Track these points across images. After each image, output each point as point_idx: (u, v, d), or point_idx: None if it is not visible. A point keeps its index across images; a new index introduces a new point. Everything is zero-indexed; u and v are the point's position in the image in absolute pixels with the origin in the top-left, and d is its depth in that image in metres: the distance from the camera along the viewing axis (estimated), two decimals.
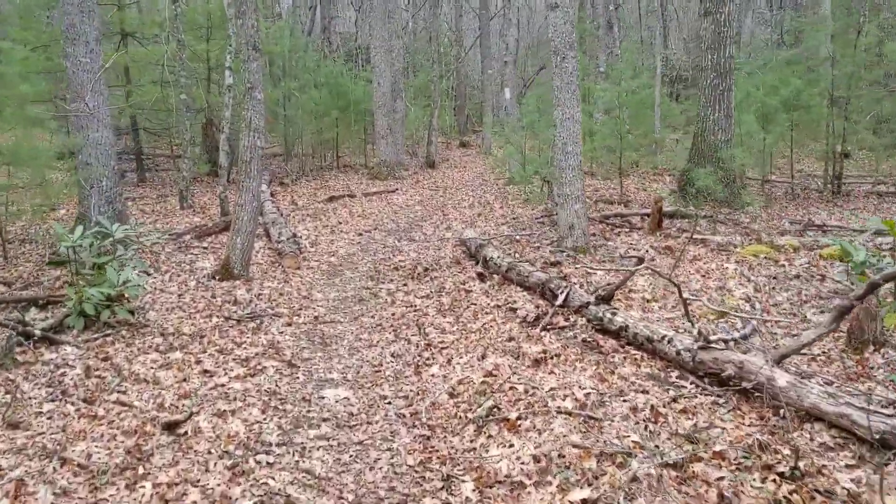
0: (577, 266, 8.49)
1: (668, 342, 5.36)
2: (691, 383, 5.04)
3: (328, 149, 23.56)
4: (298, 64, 23.37)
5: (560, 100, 8.93)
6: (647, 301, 7.15)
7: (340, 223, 12.89)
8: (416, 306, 7.74)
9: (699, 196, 11.16)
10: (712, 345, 5.01)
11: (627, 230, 10.58)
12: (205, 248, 10.67)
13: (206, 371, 5.73)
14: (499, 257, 8.39)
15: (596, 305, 6.38)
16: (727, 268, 8.31)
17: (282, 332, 6.83)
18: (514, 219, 12.40)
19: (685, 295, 7.36)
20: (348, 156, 24.51)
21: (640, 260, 5.95)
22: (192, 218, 13.36)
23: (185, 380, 5.55)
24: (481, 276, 8.33)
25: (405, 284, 8.72)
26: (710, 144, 11.37)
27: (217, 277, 8.66)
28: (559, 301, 6.74)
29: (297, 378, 5.77)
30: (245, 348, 6.28)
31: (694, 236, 9.77)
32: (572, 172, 8.95)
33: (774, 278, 7.88)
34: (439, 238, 11.52)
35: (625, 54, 16.91)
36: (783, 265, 8.28)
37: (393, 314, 7.52)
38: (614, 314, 6.12)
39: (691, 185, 11.45)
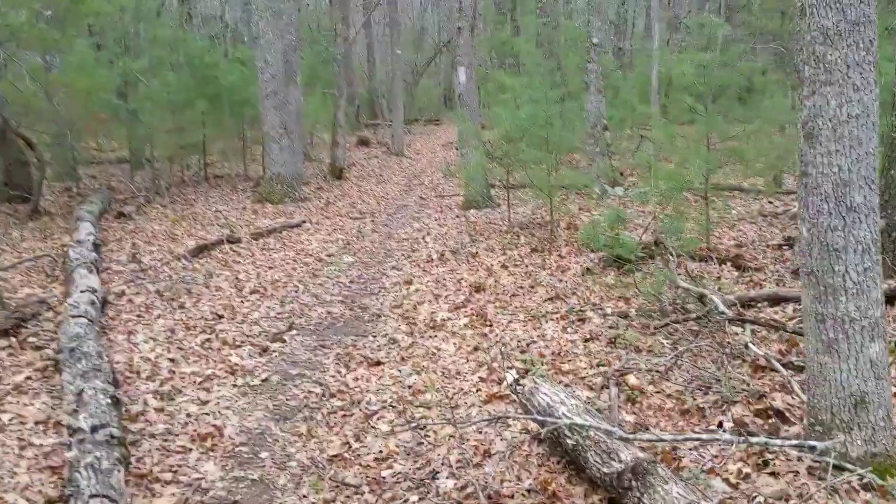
0: None
1: None
2: None
3: (194, 153, 17.09)
4: (147, 35, 16.73)
5: (832, 72, 3.32)
6: None
7: (220, 316, 6.76)
8: None
9: None
10: None
11: None
12: None
13: None
14: None
15: None
16: None
17: None
18: (558, 298, 6.67)
19: None
20: (221, 163, 18.08)
21: None
22: None
23: None
24: None
25: None
26: None
27: None
28: None
29: None
30: None
31: None
32: (865, 261, 3.38)
33: None
34: (428, 353, 5.67)
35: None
36: None
37: None
38: None
39: None
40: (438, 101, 40.81)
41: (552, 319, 6.11)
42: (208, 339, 6.13)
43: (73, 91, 13.21)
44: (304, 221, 11.65)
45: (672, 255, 6.12)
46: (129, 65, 14.58)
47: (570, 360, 5.13)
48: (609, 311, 6.07)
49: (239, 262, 8.90)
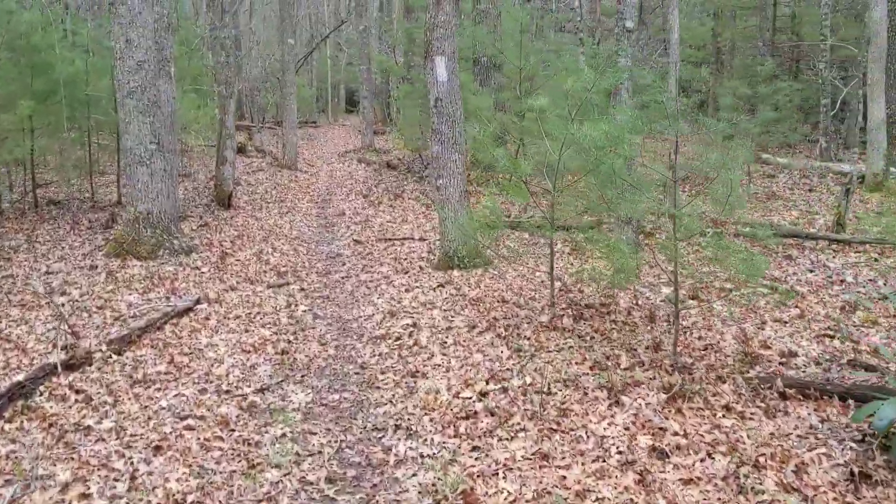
0: None
1: None
2: None
3: (17, 171, 12.21)
4: None
5: None
6: None
7: None
8: None
9: None
10: None
11: None
12: None
13: None
14: None
15: None
16: None
17: None
18: None
19: None
20: (57, 184, 13.10)
21: None
22: None
23: None
24: None
25: None
26: None
27: None
28: None
29: None
30: None
31: None
32: None
33: None
34: None
35: None
36: None
37: None
38: None
39: None
40: (311, 102, 37.15)
41: None
42: None
43: None
44: (199, 300, 7.22)
45: None
46: None
47: None
48: None
49: (90, 430, 4.45)
